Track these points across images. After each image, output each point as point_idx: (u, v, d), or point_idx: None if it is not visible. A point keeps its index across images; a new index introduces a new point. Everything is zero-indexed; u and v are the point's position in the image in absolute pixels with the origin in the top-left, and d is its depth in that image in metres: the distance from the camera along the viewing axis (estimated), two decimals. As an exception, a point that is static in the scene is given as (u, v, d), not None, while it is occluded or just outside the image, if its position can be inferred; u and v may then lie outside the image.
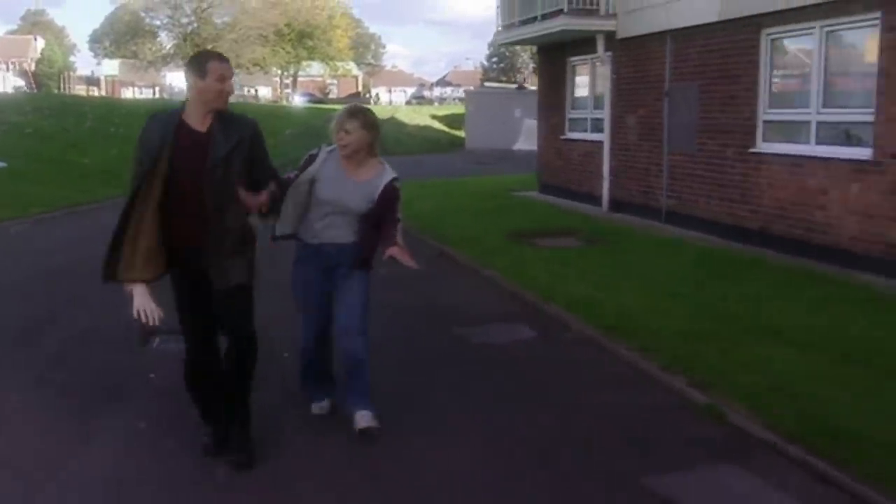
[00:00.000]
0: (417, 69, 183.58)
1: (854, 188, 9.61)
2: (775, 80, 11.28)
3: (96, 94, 70.76)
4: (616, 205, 14.97)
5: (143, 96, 73.09)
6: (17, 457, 4.80)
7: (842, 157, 9.84)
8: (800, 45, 10.90)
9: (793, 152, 10.69)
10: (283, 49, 74.14)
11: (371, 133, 4.91)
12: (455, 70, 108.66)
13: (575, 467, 4.68)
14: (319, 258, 4.98)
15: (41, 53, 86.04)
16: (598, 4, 14.78)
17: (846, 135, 9.96)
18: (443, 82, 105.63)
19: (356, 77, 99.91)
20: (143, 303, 4.32)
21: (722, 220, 11.96)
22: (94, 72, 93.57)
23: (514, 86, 49.20)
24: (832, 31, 10.16)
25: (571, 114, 17.20)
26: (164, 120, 4.41)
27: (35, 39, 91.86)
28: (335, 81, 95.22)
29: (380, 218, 4.92)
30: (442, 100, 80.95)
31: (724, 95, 11.93)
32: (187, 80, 4.43)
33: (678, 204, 13.11)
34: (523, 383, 6.12)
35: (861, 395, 5.50)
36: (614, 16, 14.62)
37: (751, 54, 11.31)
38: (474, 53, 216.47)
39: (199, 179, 4.32)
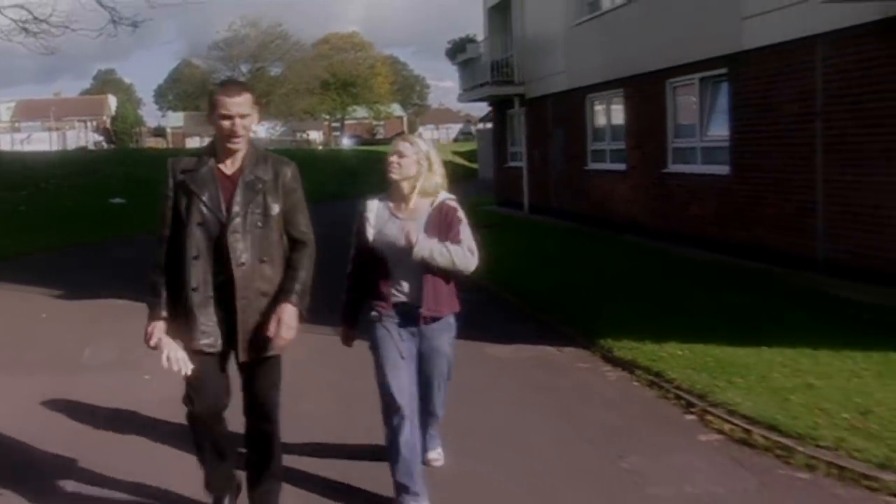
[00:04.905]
0: (467, 106, 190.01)
1: (621, 186, 16.86)
2: (597, 125, 18.59)
3: (163, 145, 79.70)
4: (533, 208, 22.24)
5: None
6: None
7: (617, 169, 17.09)
8: (606, 105, 18.17)
9: (603, 168, 17.92)
10: (330, 97, 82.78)
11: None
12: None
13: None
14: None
15: (115, 111, 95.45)
16: (512, 76, 22.20)
17: (619, 156, 17.20)
18: (487, 118, 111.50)
19: (401, 118, 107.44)
20: (177, 353, 3.83)
21: (578, 212, 19.17)
22: (160, 123, 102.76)
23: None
24: (613, 97, 17.48)
25: (511, 148, 24.64)
26: (191, 163, 3.96)
27: (108, 98, 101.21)
28: (382, 123, 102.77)
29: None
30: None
31: (574, 136, 19.26)
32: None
33: (562, 203, 20.41)
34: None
35: (546, 276, 12.70)
36: (523, 83, 22.02)
37: (582, 111, 18.64)
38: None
39: (222, 231, 3.84)
